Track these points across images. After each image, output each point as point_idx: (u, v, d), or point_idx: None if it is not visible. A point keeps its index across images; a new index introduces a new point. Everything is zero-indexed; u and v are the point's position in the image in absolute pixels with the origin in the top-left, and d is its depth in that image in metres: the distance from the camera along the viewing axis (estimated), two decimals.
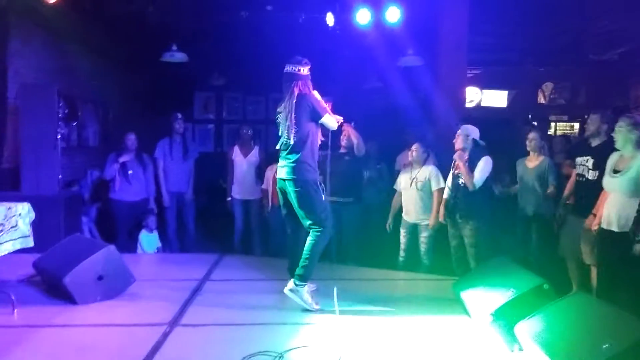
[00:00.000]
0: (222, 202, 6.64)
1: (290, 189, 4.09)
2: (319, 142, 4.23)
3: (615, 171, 4.11)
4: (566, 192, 5.09)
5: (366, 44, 7.36)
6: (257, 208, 6.50)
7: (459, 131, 5.27)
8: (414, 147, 5.69)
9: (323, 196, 4.09)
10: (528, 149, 5.50)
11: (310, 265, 4.03)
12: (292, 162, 4.06)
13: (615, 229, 4.06)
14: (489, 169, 5.08)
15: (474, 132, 5.25)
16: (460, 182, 5.15)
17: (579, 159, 4.85)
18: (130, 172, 6.24)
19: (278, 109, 4.22)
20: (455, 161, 5.17)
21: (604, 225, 4.17)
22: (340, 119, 4.35)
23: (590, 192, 4.56)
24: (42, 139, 5.78)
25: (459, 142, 5.19)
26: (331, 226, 4.17)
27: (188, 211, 6.71)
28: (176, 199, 6.62)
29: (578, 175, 4.83)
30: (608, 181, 4.18)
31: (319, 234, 4.04)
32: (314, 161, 4.11)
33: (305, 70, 4.14)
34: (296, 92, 4.06)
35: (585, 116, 5.20)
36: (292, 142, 4.05)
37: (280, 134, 4.18)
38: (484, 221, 5.12)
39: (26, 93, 5.88)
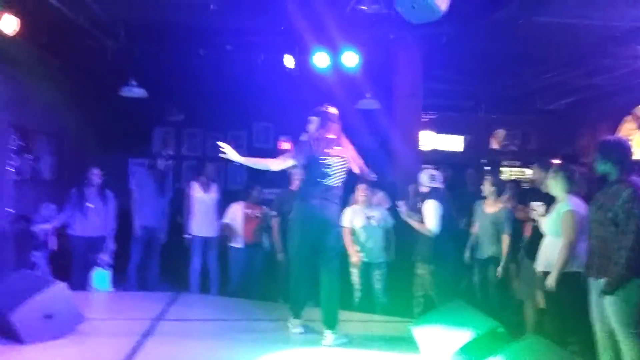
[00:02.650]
0: (179, 239, 6.54)
1: (331, 229, 4.32)
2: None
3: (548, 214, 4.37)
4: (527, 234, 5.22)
5: (325, 87, 7.52)
6: (216, 245, 6.44)
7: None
8: (361, 187, 5.64)
9: None
10: (484, 193, 5.68)
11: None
12: (336, 203, 4.35)
13: (541, 268, 4.29)
14: (438, 211, 5.15)
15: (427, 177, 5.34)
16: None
17: (533, 204, 4.98)
18: (91, 206, 6.10)
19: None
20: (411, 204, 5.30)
21: (536, 266, 4.39)
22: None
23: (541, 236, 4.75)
24: None
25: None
26: None
27: (156, 248, 6.57)
28: (146, 234, 6.47)
29: (532, 219, 4.96)
30: (541, 224, 4.43)
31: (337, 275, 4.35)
32: None
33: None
34: (342, 136, 4.43)
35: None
36: (338, 184, 4.36)
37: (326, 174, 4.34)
38: (444, 264, 5.19)
39: None
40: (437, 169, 5.80)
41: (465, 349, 3.52)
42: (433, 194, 5.25)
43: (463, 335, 3.62)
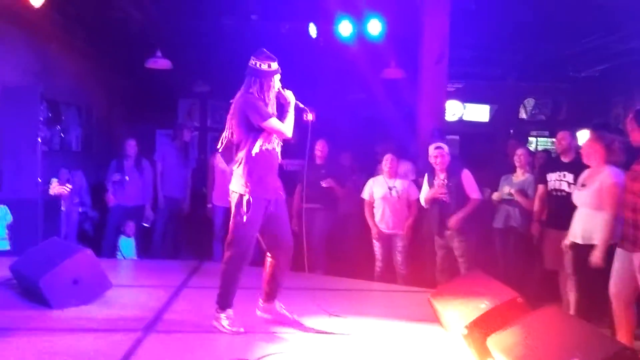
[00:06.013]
0: (203, 209, 6.66)
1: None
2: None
3: (583, 185, 4.20)
4: (535, 207, 5.14)
5: (349, 55, 7.44)
6: None
7: (444, 149, 5.21)
8: (387, 157, 5.65)
9: (245, 217, 3.61)
10: (517, 164, 5.53)
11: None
12: (234, 168, 3.75)
13: (579, 241, 4.17)
14: (473, 179, 5.12)
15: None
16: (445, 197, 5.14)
17: (552, 175, 4.92)
18: (127, 177, 6.26)
19: None
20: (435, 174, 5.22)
21: (572, 238, 4.27)
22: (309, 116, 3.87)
23: (572, 205, 4.61)
24: (22, 141, 5.78)
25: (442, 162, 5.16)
26: (242, 253, 3.70)
27: (179, 218, 6.78)
28: (169, 204, 6.65)
29: (554, 190, 4.89)
30: (576, 195, 4.28)
31: (228, 257, 3.72)
32: (252, 174, 3.66)
33: (263, 66, 3.67)
34: (241, 91, 3.67)
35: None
36: (234, 143, 3.71)
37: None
38: (473, 233, 5.17)
39: (8, 96, 5.87)
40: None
41: (481, 320, 3.50)
42: (461, 163, 5.27)
43: (481, 306, 3.60)
